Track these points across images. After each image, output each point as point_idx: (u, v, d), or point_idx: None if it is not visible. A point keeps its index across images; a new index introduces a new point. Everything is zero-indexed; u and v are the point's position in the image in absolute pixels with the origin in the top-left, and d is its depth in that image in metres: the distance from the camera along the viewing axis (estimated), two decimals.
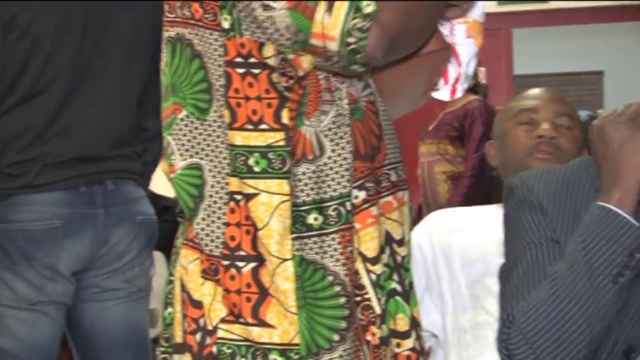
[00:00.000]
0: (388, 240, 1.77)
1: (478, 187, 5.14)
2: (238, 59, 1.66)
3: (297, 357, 1.65)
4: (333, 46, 1.61)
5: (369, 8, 1.59)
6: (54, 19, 2.34)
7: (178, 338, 1.71)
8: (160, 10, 2.45)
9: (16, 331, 2.31)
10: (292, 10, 1.60)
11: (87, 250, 2.37)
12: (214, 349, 1.66)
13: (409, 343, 1.78)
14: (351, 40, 1.60)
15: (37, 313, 2.33)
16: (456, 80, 2.02)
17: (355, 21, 1.60)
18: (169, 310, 1.75)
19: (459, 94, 2.04)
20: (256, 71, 1.66)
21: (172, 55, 1.76)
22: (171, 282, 1.77)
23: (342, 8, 1.59)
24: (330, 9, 1.59)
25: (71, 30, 2.36)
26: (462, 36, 1.98)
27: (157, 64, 2.47)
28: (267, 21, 1.63)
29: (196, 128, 1.72)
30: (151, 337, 4.84)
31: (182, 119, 1.73)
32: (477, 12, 1.97)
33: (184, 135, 1.73)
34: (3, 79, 2.33)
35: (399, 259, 1.79)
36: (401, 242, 1.80)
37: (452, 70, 2.01)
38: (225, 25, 1.66)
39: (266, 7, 1.62)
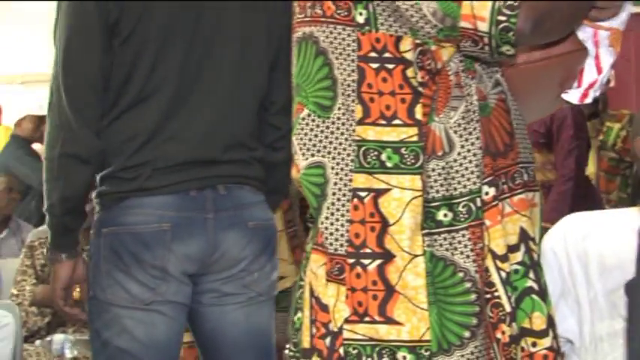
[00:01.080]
0: (524, 237, 1.75)
1: (575, 191, 4.96)
2: (372, 54, 1.68)
3: (427, 353, 1.64)
4: (484, 26, 1.62)
5: None
6: (159, 23, 2.34)
7: (306, 343, 1.72)
8: (277, 8, 2.50)
9: (133, 331, 2.34)
10: None
11: (196, 253, 2.36)
12: (342, 351, 1.67)
13: (546, 342, 1.75)
14: (501, 18, 1.61)
15: (153, 313, 2.34)
16: (590, 86, 1.98)
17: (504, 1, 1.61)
18: (299, 315, 1.76)
19: (588, 100, 2.01)
20: (390, 66, 1.67)
21: (298, 55, 1.81)
22: (301, 287, 1.78)
23: None
24: None
25: (179, 33, 2.36)
26: (605, 44, 1.95)
27: (282, 63, 2.46)
28: (411, 10, 1.64)
29: (318, 126, 1.74)
30: None
31: (303, 118, 1.77)
32: (619, 21, 1.94)
33: (306, 134, 1.76)
34: (111, 85, 2.35)
35: (535, 256, 1.77)
36: (535, 240, 1.77)
37: (588, 75, 1.98)
38: (360, 19, 1.68)
39: None
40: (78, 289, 2.49)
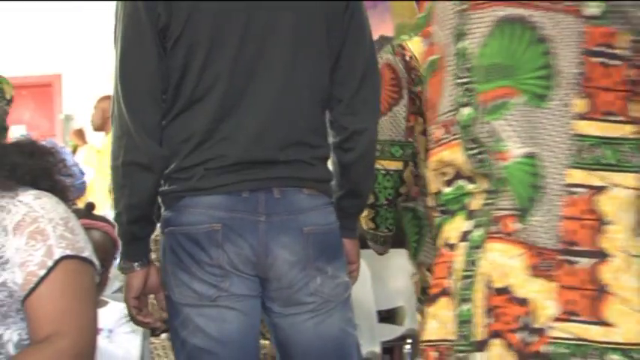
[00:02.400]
0: None
1: None
2: (600, 48, 1.63)
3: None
4: None
5: None
6: (207, 25, 2.34)
7: (479, 335, 1.65)
8: (338, 5, 2.47)
9: (205, 328, 2.33)
10: None
11: (248, 254, 2.35)
12: (543, 348, 1.60)
13: None
14: None
15: (221, 309, 2.34)
16: None
17: None
18: (467, 306, 1.68)
19: None
20: (615, 62, 1.62)
21: (502, 36, 1.69)
22: (467, 277, 1.69)
23: None
24: None
25: (229, 33, 2.35)
26: None
27: (346, 60, 2.49)
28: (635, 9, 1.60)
29: (533, 115, 1.66)
30: (398, 334, 4.87)
31: (515, 104, 1.67)
32: None
33: (518, 121, 1.67)
34: (168, 88, 2.36)
35: None
36: None
37: None
38: (593, 12, 1.62)
39: None
40: (152, 297, 2.49)
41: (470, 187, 1.72)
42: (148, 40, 2.33)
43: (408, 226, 2.95)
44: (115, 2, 2.39)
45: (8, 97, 2.09)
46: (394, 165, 2.85)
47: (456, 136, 1.73)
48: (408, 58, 2.90)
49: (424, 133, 2.94)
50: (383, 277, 4.95)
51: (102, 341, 2.98)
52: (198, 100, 2.36)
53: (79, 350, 1.94)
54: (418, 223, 2.93)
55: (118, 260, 2.50)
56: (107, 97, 6.90)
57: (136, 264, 2.40)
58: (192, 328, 2.35)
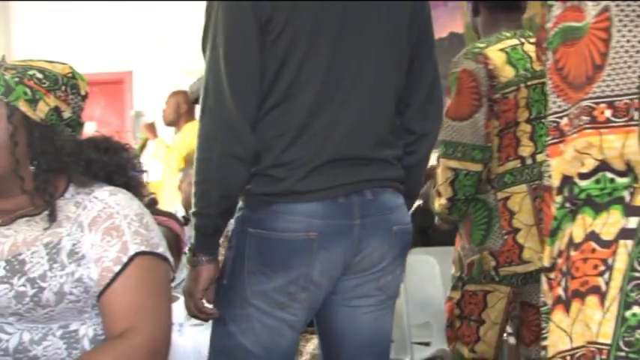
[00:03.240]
0: None
1: None
2: None
3: None
4: None
5: None
6: (309, 19, 2.34)
7: None
8: (417, 7, 2.48)
9: (260, 334, 2.35)
10: None
11: (340, 260, 2.36)
12: None
13: None
14: None
15: (283, 323, 2.35)
16: None
17: None
18: (633, 310, 1.58)
19: None
20: None
21: None
22: (635, 279, 1.60)
23: None
24: None
25: (327, 29, 2.35)
26: None
27: (419, 63, 2.50)
28: None
29: None
30: (428, 355, 4.79)
31: None
32: None
33: None
34: (263, 81, 2.34)
35: None
36: None
37: None
38: None
39: None
40: None
41: (623, 180, 1.60)
42: (253, 31, 2.32)
43: (476, 214, 3.24)
44: (208, 1, 2.39)
45: (83, 93, 2.11)
46: (475, 167, 3.17)
47: (634, 122, 1.58)
48: (491, 67, 3.15)
49: (499, 134, 3.19)
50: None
51: (172, 335, 3.01)
52: (294, 94, 2.35)
53: (153, 346, 1.95)
54: (488, 214, 3.21)
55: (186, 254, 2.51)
56: (179, 92, 6.93)
57: (206, 258, 2.39)
58: (245, 327, 2.36)
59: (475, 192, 3.21)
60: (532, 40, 3.22)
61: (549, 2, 1.73)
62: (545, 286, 1.73)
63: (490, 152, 3.17)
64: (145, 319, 1.95)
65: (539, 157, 3.15)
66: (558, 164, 1.70)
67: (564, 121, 1.69)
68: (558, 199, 1.69)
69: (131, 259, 1.97)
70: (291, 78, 2.34)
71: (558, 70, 1.72)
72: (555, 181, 1.70)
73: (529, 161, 3.20)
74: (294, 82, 2.34)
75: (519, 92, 3.17)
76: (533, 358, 3.34)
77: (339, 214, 2.35)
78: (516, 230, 3.18)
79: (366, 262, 2.41)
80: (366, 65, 2.39)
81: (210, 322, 2.50)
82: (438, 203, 3.29)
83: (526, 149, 3.20)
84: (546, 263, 1.71)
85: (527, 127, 3.20)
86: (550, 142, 1.72)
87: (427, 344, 4.61)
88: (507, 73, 3.17)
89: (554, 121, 1.72)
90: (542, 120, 3.10)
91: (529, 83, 3.19)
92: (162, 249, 2.03)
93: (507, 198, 3.20)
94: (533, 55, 3.17)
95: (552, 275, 1.69)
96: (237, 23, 2.32)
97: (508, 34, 3.27)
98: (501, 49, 3.21)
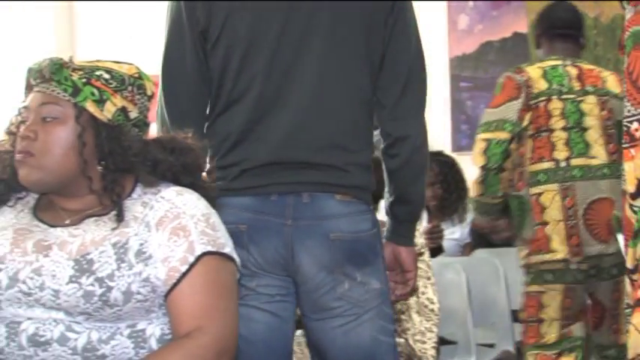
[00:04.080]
0: None
1: None
2: None
3: None
4: None
5: None
6: (243, 28, 2.37)
7: None
8: (378, 9, 2.43)
9: (240, 328, 2.29)
10: None
11: (273, 256, 2.34)
12: None
13: None
14: None
15: (250, 308, 2.34)
16: None
17: None
18: None
19: None
20: None
21: None
22: None
23: None
24: None
25: (265, 36, 2.37)
26: None
27: (388, 65, 2.45)
28: None
29: None
30: (494, 357, 4.72)
31: None
32: None
33: None
34: (210, 90, 2.41)
35: None
36: None
37: None
38: None
39: None
40: None
41: None
42: (188, 43, 2.39)
43: (515, 209, 3.61)
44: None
45: (149, 93, 2.12)
46: (504, 135, 3.54)
47: None
48: (526, 78, 3.59)
49: (531, 136, 3.57)
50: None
51: None
52: (236, 101, 2.39)
53: (220, 346, 1.95)
54: (522, 207, 3.59)
55: None
56: None
57: None
58: None
59: (503, 162, 3.54)
60: (582, 64, 3.68)
61: (624, 3, 1.70)
62: (628, 287, 1.70)
63: (519, 128, 3.55)
64: (211, 319, 1.95)
65: (574, 162, 3.53)
66: (631, 169, 1.68)
67: (634, 125, 1.68)
68: (637, 202, 1.66)
69: (198, 259, 1.97)
70: (231, 86, 2.39)
71: (629, 75, 1.71)
72: (630, 186, 1.68)
73: (563, 164, 3.53)
74: (233, 90, 2.39)
75: (550, 103, 3.55)
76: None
77: (269, 210, 2.35)
78: (545, 223, 3.52)
79: (306, 269, 2.37)
80: (307, 72, 2.38)
81: None
82: (473, 182, 3.66)
83: (561, 154, 3.54)
84: (629, 265, 1.69)
85: (563, 135, 3.55)
86: (623, 146, 1.71)
87: (491, 346, 4.57)
88: (540, 85, 3.58)
89: (625, 126, 1.70)
90: (578, 129, 3.54)
91: (564, 97, 3.57)
92: (229, 249, 2.03)
93: (540, 194, 3.54)
94: (574, 74, 3.61)
95: (635, 277, 1.66)
96: (175, 27, 2.42)
97: (554, 57, 3.71)
98: (540, 67, 3.65)
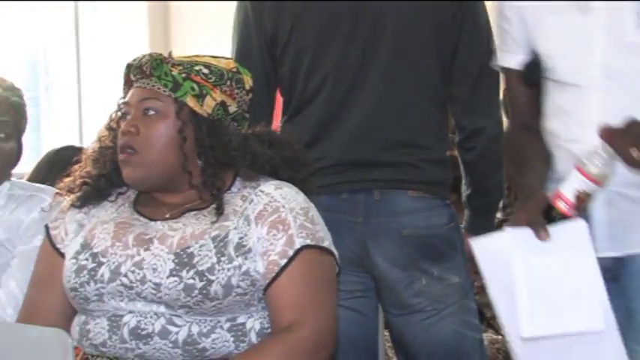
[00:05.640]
0: None
1: None
2: None
3: None
4: None
5: None
6: (313, 31, 2.40)
7: None
8: (445, 6, 2.43)
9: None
10: None
11: (347, 254, 2.32)
12: None
13: None
14: None
15: (339, 307, 2.28)
16: None
17: None
18: None
19: None
20: None
21: None
22: None
23: None
24: None
25: (334, 39, 2.39)
26: None
27: (460, 59, 2.47)
28: None
29: None
30: None
31: None
32: None
33: None
34: (283, 94, 2.46)
35: None
36: None
37: None
38: None
39: None
40: None
41: None
42: (257, 50, 2.44)
43: None
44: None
45: (247, 87, 2.13)
46: None
47: None
48: None
49: None
50: None
51: None
52: (307, 103, 2.42)
53: (319, 340, 1.95)
54: None
55: None
56: None
57: None
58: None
59: None
60: None
61: None
62: None
63: None
64: (310, 312, 1.95)
65: None
66: None
67: None
68: None
69: (297, 252, 1.97)
70: (302, 89, 2.42)
71: None
72: None
73: None
74: (304, 93, 2.42)
75: None
76: None
77: (340, 208, 2.38)
78: None
79: (381, 265, 2.39)
80: (375, 72, 2.40)
81: None
82: None
83: None
84: None
85: None
86: None
87: None
88: None
89: None
90: None
91: None
92: (328, 242, 2.03)
93: None
94: None
95: None
96: (244, 39, 2.47)
97: None
98: None
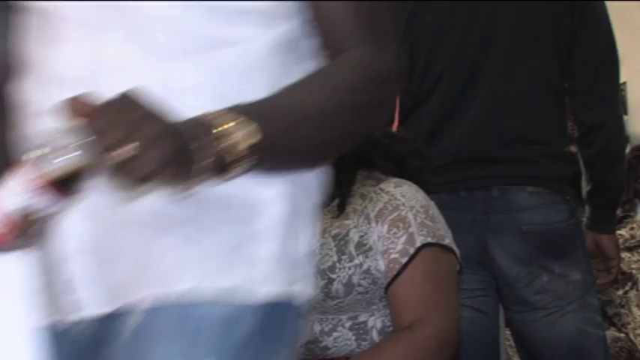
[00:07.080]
0: None
1: None
2: None
3: None
4: None
5: None
6: (428, 28, 2.39)
7: None
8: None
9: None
10: None
11: (466, 252, 2.26)
12: None
13: None
14: None
15: (463, 307, 2.27)
16: None
17: None
18: None
19: None
20: None
21: None
22: None
23: None
24: None
25: (450, 35, 2.38)
26: None
27: (578, 51, 2.43)
28: None
29: None
30: None
31: None
32: None
33: None
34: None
35: None
36: None
37: None
38: None
39: None
40: None
41: None
42: None
43: None
44: None
45: None
46: None
47: None
48: None
49: None
50: None
51: None
52: (423, 101, 2.41)
53: (442, 338, 1.93)
54: None
55: None
56: None
57: None
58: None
59: None
60: None
61: None
62: None
63: None
64: (433, 311, 1.94)
65: None
66: None
67: None
68: None
69: (418, 250, 1.96)
70: (418, 86, 2.40)
71: None
72: None
73: None
74: (420, 89, 2.40)
75: None
76: None
77: (459, 206, 2.35)
78: None
79: (501, 262, 2.37)
80: (491, 66, 2.38)
81: None
82: None
83: None
84: None
85: None
86: None
87: None
88: None
89: None
90: None
91: None
92: (449, 240, 2.01)
93: None
94: None
95: None
96: None
97: None
98: None
